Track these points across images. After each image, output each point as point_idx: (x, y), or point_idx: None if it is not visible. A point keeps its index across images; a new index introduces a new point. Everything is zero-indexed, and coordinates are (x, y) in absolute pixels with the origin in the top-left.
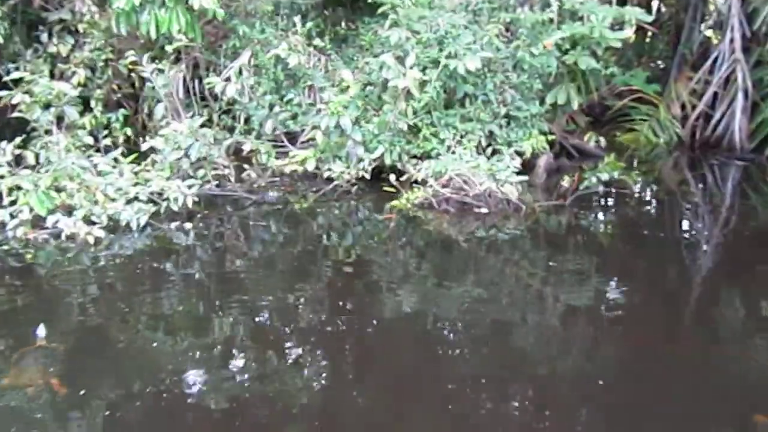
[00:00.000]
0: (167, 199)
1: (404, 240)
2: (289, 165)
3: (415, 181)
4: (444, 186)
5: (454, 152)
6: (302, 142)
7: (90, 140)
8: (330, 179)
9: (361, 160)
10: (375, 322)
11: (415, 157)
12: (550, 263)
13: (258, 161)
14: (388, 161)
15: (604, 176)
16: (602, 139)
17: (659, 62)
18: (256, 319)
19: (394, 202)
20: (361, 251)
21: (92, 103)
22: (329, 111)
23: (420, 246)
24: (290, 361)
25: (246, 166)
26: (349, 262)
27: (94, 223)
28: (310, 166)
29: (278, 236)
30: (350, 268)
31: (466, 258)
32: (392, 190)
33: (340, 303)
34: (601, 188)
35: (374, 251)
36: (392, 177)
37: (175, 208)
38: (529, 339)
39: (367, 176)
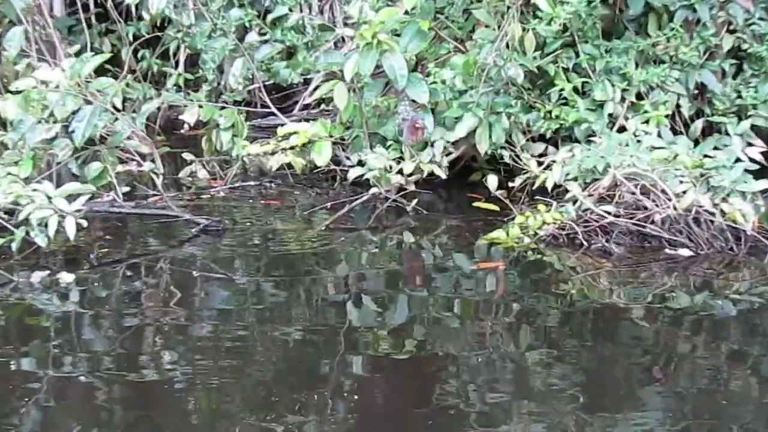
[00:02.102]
0: (26, 222)
1: (518, 313)
2: (278, 154)
3: (541, 189)
4: (601, 200)
5: (623, 129)
6: (305, 107)
7: None
8: (362, 183)
9: (427, 144)
10: None
11: (541, 138)
12: None
13: (213, 145)
14: (483, 147)
15: None
16: None
17: None
18: None
19: (497, 234)
20: (427, 339)
21: None
22: (362, 41)
23: (551, 325)
24: None
25: (188, 155)
26: (401, 362)
27: None
28: (321, 157)
29: (253, 305)
30: (405, 376)
31: (649, 352)
32: (492, 207)
33: None
34: None
35: (454, 340)
36: (492, 180)
37: (41, 241)
38: None
39: (442, 176)
